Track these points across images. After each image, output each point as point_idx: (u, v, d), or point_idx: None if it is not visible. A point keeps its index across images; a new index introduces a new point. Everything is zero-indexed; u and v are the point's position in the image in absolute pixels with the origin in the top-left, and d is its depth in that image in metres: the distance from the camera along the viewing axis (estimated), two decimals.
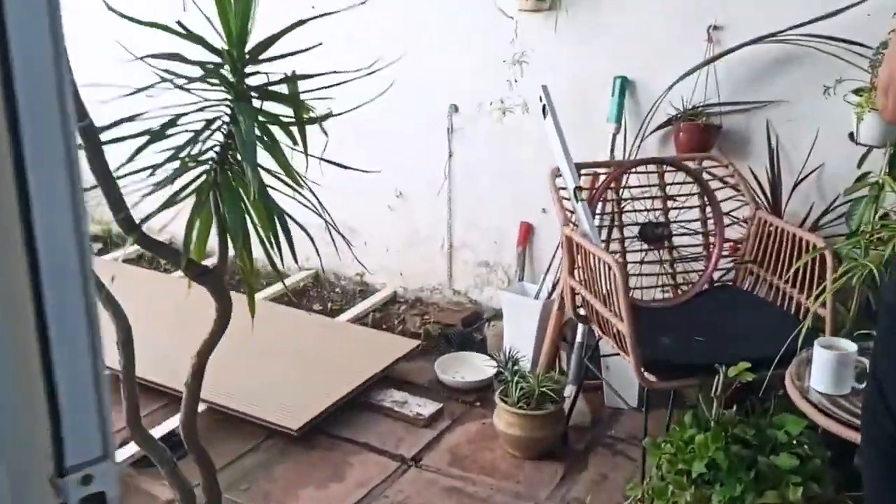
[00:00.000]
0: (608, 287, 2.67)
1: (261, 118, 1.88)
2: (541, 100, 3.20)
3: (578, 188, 2.99)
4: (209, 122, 1.88)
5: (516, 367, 3.27)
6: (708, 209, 3.17)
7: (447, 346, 4.03)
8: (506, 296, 3.79)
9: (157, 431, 3.18)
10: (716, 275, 3.14)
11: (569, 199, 3.01)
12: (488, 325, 4.08)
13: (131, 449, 3.04)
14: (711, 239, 3.16)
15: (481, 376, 3.70)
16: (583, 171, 3.12)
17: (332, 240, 2.13)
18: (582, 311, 3.03)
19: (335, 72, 1.86)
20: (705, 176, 3.17)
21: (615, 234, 3.14)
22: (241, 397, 3.33)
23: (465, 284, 4.30)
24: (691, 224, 3.17)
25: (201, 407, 3.33)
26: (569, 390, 3.45)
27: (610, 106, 3.53)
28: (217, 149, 1.92)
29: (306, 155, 1.96)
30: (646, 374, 2.54)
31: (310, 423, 3.21)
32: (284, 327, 3.93)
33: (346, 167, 2.09)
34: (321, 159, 2.00)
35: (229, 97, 1.87)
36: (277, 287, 4.60)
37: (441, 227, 4.27)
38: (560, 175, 3.07)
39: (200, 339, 2.18)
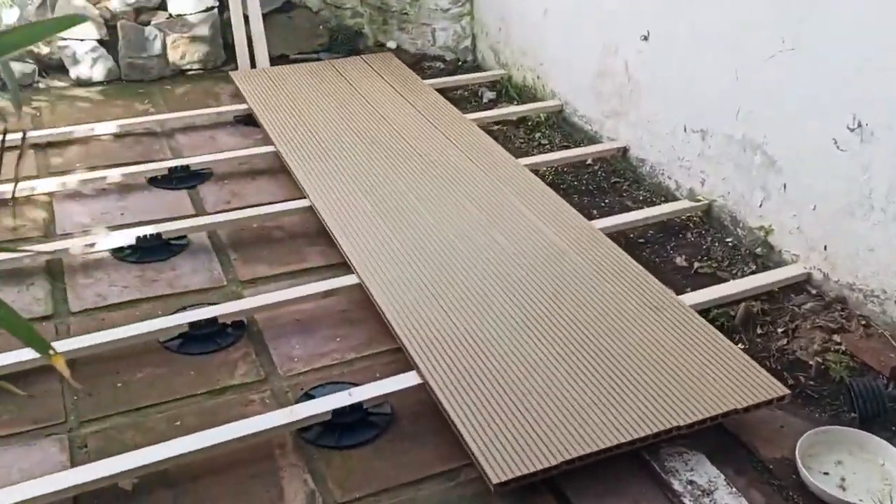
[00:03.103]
0: None
1: None
2: None
3: None
4: None
5: None
6: None
7: (846, 404, 2.36)
8: None
9: (353, 394, 2.29)
10: None
11: None
12: None
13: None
14: None
15: (876, 496, 2.03)
16: None
17: None
18: None
19: None
20: None
21: None
22: (462, 392, 2.25)
23: None
24: None
25: (417, 380, 2.35)
26: None
27: None
28: None
29: None
30: None
31: (522, 479, 2.02)
32: (583, 292, 2.65)
33: None
34: None
35: None
36: (636, 216, 3.23)
37: None
38: None
39: None
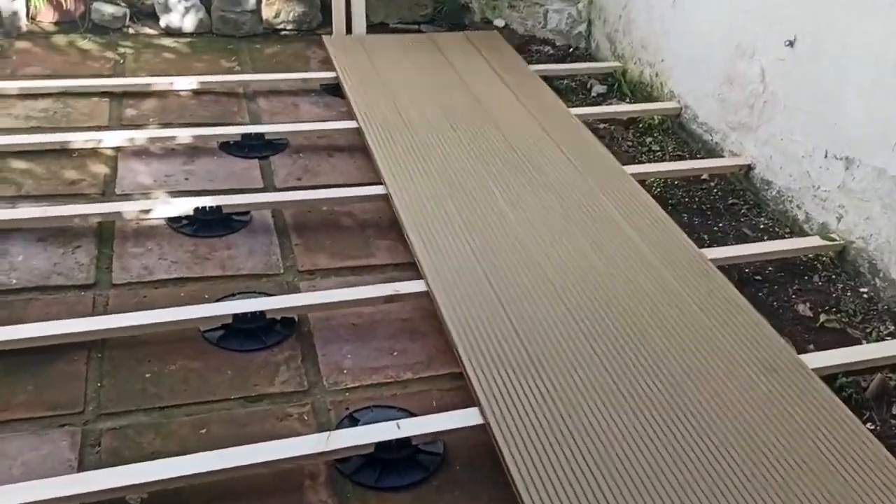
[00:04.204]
0: None
1: None
2: None
3: None
4: None
5: None
6: None
7: None
8: None
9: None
10: None
11: None
12: None
13: None
14: None
15: None
16: None
17: None
18: None
19: None
20: None
21: None
22: (529, 443, 1.90)
23: None
24: None
25: (478, 419, 2.01)
26: None
27: None
28: None
29: None
30: None
31: None
32: (683, 337, 2.25)
33: None
34: None
35: None
36: (755, 249, 2.79)
37: None
38: None
39: None
